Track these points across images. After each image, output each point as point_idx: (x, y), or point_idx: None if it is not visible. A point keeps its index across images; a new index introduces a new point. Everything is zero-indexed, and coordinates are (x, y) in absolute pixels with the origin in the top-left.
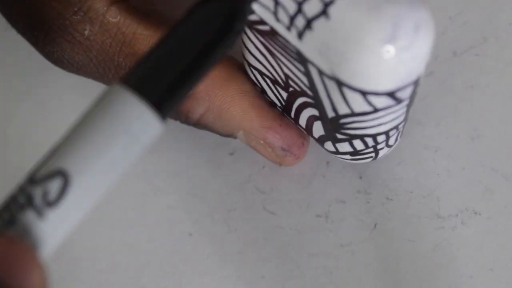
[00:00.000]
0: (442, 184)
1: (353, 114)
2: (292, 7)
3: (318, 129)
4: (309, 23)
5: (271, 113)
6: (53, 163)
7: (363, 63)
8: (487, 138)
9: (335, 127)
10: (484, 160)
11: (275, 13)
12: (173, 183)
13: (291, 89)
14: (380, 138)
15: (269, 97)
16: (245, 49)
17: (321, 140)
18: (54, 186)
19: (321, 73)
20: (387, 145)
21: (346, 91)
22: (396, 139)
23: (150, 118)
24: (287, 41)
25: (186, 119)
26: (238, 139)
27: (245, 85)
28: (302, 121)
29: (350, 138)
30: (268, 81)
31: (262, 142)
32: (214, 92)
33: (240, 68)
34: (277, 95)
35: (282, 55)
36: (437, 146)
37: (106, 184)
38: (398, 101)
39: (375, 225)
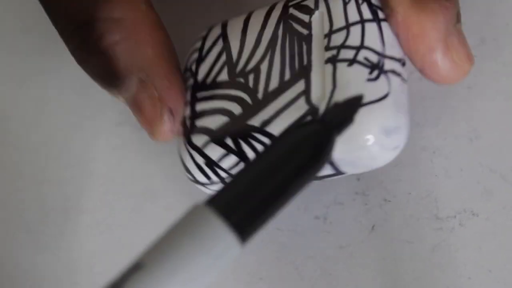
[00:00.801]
0: (440, 185)
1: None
2: None
3: (212, 121)
4: None
5: (180, 75)
6: (139, 285)
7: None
8: (486, 139)
9: (241, 134)
10: (483, 161)
11: None
12: (170, 185)
13: (240, 79)
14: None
15: (196, 67)
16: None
17: (198, 131)
18: None
19: (307, 96)
20: None
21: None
22: None
23: (233, 242)
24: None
25: (97, 41)
26: (126, 90)
27: (169, 40)
28: (203, 104)
29: (232, 150)
30: (224, 55)
31: (156, 94)
32: (141, 27)
33: (167, 33)
34: (212, 72)
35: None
36: (435, 147)
37: None
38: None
39: (373, 227)
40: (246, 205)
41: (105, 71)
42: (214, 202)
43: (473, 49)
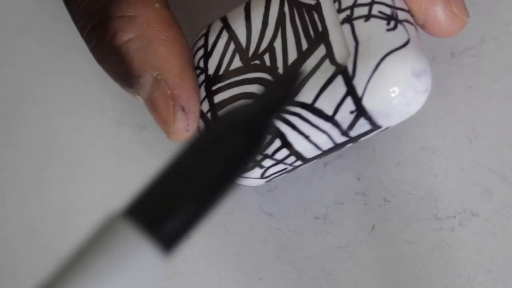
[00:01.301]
0: (440, 186)
1: (309, 107)
2: None
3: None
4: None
5: (192, 72)
6: None
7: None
8: (486, 139)
9: None
10: (482, 161)
11: None
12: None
13: (255, 61)
14: (281, 154)
15: (204, 63)
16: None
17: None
18: None
19: (331, 57)
20: (264, 172)
21: (336, 84)
22: (269, 177)
23: (156, 259)
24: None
25: (111, 39)
26: (142, 88)
27: (182, 37)
28: (221, 95)
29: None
30: (232, 44)
31: (169, 92)
32: (153, 25)
33: (179, 23)
34: (222, 63)
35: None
36: (435, 147)
37: None
38: (346, 132)
39: (373, 227)
40: (170, 211)
41: (121, 70)
42: (133, 211)
43: (473, 48)
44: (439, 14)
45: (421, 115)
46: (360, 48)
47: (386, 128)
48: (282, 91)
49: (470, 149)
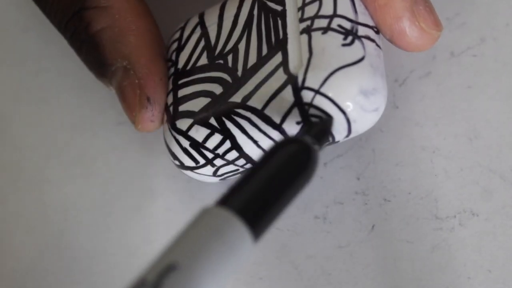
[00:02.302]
0: (440, 185)
1: (258, 113)
2: None
3: (195, 104)
4: None
5: (162, 63)
6: (178, 285)
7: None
8: (485, 139)
9: (224, 112)
10: (482, 161)
11: None
12: (171, 185)
13: (219, 61)
14: (231, 155)
15: (176, 56)
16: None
17: (182, 115)
18: None
19: (285, 66)
20: (216, 170)
21: (285, 93)
22: (222, 175)
23: (250, 240)
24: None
25: (85, 29)
26: (113, 77)
27: (154, 28)
28: (185, 90)
29: (216, 129)
30: (203, 40)
31: (137, 81)
32: (125, 15)
33: (152, 15)
34: (191, 58)
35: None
36: (435, 147)
37: None
38: None
39: (373, 227)
40: (257, 205)
41: (94, 58)
42: (229, 203)
43: (473, 48)
44: (406, 30)
45: (421, 115)
46: (313, 60)
47: (336, 141)
48: (323, 129)
49: (470, 148)
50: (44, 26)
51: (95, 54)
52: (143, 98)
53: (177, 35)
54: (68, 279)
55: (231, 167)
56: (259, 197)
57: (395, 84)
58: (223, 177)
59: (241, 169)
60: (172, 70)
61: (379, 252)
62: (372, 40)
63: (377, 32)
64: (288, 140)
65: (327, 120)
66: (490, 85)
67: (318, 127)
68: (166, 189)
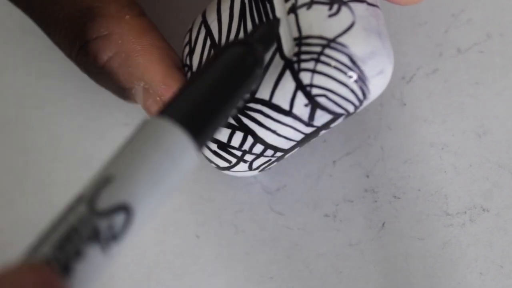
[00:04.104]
0: (450, 181)
1: (267, 103)
2: None
3: None
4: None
5: (177, 74)
6: (114, 196)
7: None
8: (494, 134)
9: (238, 109)
10: (491, 156)
11: None
12: (179, 186)
13: None
14: (257, 148)
15: (190, 60)
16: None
17: None
18: (118, 220)
19: (280, 51)
20: (250, 165)
21: (286, 79)
22: (258, 168)
23: (192, 149)
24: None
25: (94, 61)
26: (136, 99)
27: (159, 41)
28: None
29: (235, 127)
30: (209, 39)
31: (158, 99)
32: (128, 38)
33: (156, 28)
34: (202, 59)
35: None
36: (443, 143)
37: (153, 216)
38: (309, 123)
39: (383, 224)
40: (199, 114)
41: (113, 86)
42: (168, 112)
43: (479, 44)
44: None
45: (429, 111)
46: (303, 39)
47: (353, 112)
48: (268, 32)
49: (479, 144)
50: None
51: (112, 82)
52: None
53: (187, 38)
54: None
55: (263, 159)
56: (200, 103)
57: (403, 81)
58: (260, 168)
59: (273, 159)
60: (189, 74)
61: (390, 249)
62: (361, 1)
63: None
64: (232, 42)
65: (272, 22)
66: (498, 81)
67: (263, 29)
68: None
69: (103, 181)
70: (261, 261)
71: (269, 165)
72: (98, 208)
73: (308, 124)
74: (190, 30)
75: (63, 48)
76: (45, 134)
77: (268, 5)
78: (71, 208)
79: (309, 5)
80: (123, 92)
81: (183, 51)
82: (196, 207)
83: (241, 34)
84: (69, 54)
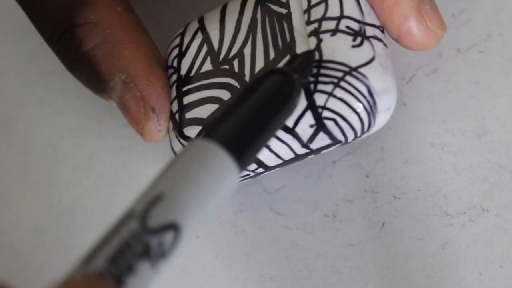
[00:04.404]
0: (450, 182)
1: None
2: None
3: (202, 111)
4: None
5: (160, 72)
6: (164, 215)
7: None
8: (494, 134)
9: None
10: (491, 156)
11: None
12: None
13: (225, 66)
14: None
15: (177, 62)
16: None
17: (189, 123)
18: (168, 238)
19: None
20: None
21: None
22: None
23: (235, 172)
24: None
25: (77, 47)
26: (112, 93)
27: (146, 38)
28: (190, 97)
29: None
30: (206, 46)
31: (138, 94)
32: (117, 29)
33: (143, 25)
34: (194, 64)
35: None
36: (443, 143)
37: (195, 235)
38: (306, 144)
39: (383, 224)
40: (240, 137)
41: (90, 76)
42: (213, 135)
43: (479, 44)
44: (413, 29)
45: (429, 111)
46: (324, 63)
47: (349, 142)
48: (305, 62)
49: (479, 144)
50: None
51: (90, 72)
52: (148, 109)
53: (177, 41)
54: None
55: (246, 172)
56: (243, 128)
57: (402, 82)
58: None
59: (252, 174)
60: (175, 77)
61: (389, 249)
62: (380, 40)
63: (383, 31)
64: (271, 71)
65: (310, 52)
66: (497, 81)
67: (301, 59)
68: None
69: (154, 199)
70: (261, 261)
71: (243, 180)
72: (149, 225)
73: (305, 145)
74: (182, 34)
75: (45, 29)
76: (45, 134)
77: (285, 25)
78: (122, 223)
79: (333, 32)
80: (99, 84)
81: (169, 53)
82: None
83: (248, 48)
84: (49, 38)
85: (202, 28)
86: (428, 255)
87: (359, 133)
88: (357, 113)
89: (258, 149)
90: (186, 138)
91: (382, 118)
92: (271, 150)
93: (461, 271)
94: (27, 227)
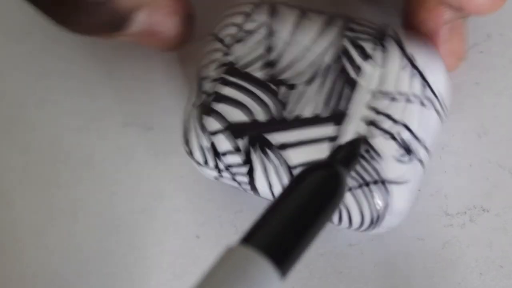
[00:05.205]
0: (450, 182)
1: (287, 166)
2: None
3: (232, 113)
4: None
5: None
6: None
7: None
8: (494, 134)
9: (255, 144)
10: (491, 156)
11: None
12: (179, 186)
13: (271, 84)
14: (240, 178)
15: (229, 41)
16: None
17: (215, 115)
18: None
19: None
20: (216, 177)
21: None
22: (218, 179)
23: (277, 280)
24: None
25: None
26: (136, 22)
27: None
28: (225, 89)
29: (240, 152)
30: (263, 47)
31: (166, 12)
32: None
33: None
34: (246, 59)
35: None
36: (443, 143)
37: None
38: None
39: None
40: (282, 242)
41: (113, 19)
42: (252, 241)
43: (479, 45)
44: None
45: None
46: (364, 160)
47: (335, 224)
48: (351, 151)
49: (479, 144)
50: (47, 27)
51: (109, 14)
52: (182, 18)
53: (239, 19)
54: (77, 282)
55: (233, 182)
56: (285, 232)
57: None
58: (219, 180)
59: (239, 186)
60: (221, 54)
61: (390, 249)
62: (423, 165)
63: (428, 151)
64: (315, 166)
65: (356, 141)
66: (498, 81)
67: (346, 149)
68: (174, 189)
69: None
70: None
71: (230, 184)
72: None
73: None
74: (247, 15)
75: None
76: (45, 134)
77: (346, 90)
78: None
79: (386, 133)
80: (121, 22)
81: (225, 26)
82: (196, 207)
83: (302, 85)
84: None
85: (269, 26)
86: (428, 255)
87: (351, 228)
88: (362, 217)
89: (301, 253)
90: (203, 127)
91: (376, 231)
92: (270, 189)
93: (461, 271)
94: (27, 227)
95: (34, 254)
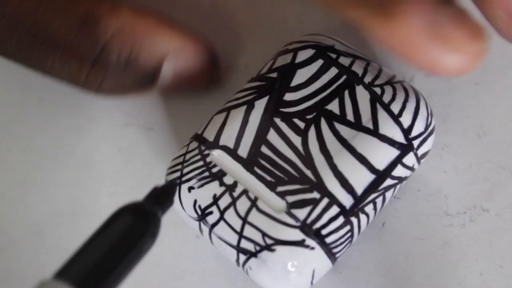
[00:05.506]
0: (450, 182)
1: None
2: None
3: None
4: None
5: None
6: None
7: None
8: (494, 134)
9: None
10: (491, 156)
11: None
12: None
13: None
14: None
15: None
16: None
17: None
18: None
19: None
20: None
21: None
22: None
23: None
24: None
25: (118, 58)
26: (164, 72)
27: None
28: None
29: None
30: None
31: (189, 54)
32: (135, 21)
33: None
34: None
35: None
36: (443, 143)
37: None
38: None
39: (383, 224)
40: (95, 277)
41: (139, 75)
42: (66, 274)
43: None
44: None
45: None
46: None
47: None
48: (165, 196)
49: (479, 144)
50: None
51: (138, 72)
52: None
53: (289, 57)
54: None
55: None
56: (97, 268)
57: None
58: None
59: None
60: (272, 84)
61: (390, 249)
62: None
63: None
64: (126, 207)
65: (170, 184)
66: (498, 81)
67: (159, 191)
68: None
69: None
70: None
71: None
72: None
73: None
74: (296, 52)
75: (71, 70)
76: (45, 134)
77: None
78: None
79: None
80: (149, 78)
81: (277, 57)
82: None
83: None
84: (77, 74)
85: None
86: (428, 255)
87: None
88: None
89: (111, 286)
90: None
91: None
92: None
93: (462, 271)
94: (27, 227)
95: (33, 254)
